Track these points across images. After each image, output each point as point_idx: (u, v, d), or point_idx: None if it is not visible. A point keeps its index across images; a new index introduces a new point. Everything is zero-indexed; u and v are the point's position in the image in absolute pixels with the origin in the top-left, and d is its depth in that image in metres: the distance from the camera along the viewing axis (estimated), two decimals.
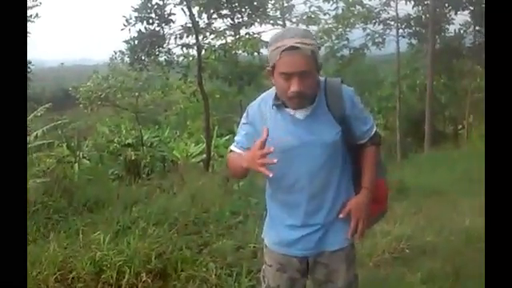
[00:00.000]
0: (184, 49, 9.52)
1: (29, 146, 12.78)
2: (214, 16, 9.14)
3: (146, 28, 8.42)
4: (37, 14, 7.83)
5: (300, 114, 1.84)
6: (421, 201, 5.52)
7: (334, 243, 1.97)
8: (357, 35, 11.89)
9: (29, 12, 7.58)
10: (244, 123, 1.97)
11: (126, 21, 8.42)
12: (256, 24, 9.99)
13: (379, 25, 11.11)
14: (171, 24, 8.56)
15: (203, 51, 10.50)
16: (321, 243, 1.96)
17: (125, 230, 4.18)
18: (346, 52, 12.42)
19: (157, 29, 8.43)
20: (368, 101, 17.22)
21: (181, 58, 9.68)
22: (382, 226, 3.97)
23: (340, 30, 11.83)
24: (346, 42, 11.94)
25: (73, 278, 3.37)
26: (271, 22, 10.41)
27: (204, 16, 9.02)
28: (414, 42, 13.96)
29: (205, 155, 16.51)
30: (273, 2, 9.33)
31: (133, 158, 12.32)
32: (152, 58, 8.97)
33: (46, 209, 5.17)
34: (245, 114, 1.98)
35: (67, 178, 11.28)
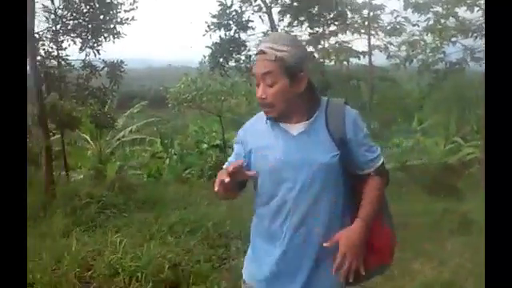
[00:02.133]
0: None
1: (123, 139, 13.82)
2: (295, 23, 8.98)
3: (225, 34, 8.54)
4: (133, 17, 8.27)
5: (294, 130, 1.69)
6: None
7: (322, 285, 1.71)
8: (455, 49, 10.96)
9: (125, 15, 8.07)
10: (236, 143, 1.86)
11: (208, 27, 8.60)
12: (337, 32, 9.77)
13: (480, 39, 10.12)
14: (250, 30, 8.60)
15: None
16: (307, 284, 1.70)
17: (154, 234, 4.23)
18: (441, 66, 11.54)
19: (236, 35, 8.51)
20: (468, 119, 15.92)
21: None
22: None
23: (437, 42, 11.02)
24: (441, 56, 11.05)
25: (90, 276, 3.47)
26: (352, 30, 10.08)
27: (283, 24, 8.92)
28: None
29: None
30: (347, 7, 8.87)
31: (215, 159, 12.68)
32: (232, 64, 9.08)
33: (100, 203, 5.45)
34: (238, 134, 1.86)
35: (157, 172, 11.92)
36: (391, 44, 10.87)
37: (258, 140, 1.74)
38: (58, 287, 3.27)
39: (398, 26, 10.15)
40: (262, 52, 1.64)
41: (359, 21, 10.33)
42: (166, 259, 3.51)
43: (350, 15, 9.68)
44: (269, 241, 1.75)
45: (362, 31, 10.50)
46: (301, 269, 1.71)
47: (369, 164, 1.72)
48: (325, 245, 1.65)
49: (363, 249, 1.67)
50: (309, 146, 1.67)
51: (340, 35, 10.96)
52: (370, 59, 11.03)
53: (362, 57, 11.53)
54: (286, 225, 1.69)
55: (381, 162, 1.75)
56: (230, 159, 1.86)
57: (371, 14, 10.07)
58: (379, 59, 11.98)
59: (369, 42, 10.87)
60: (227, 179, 1.53)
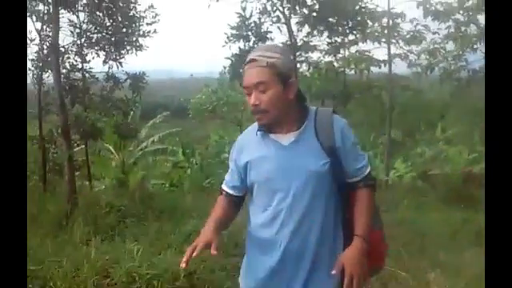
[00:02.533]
0: None
1: (145, 149, 14.06)
2: (314, 33, 9.02)
3: (244, 45, 8.64)
4: (155, 30, 8.46)
5: (284, 141, 1.75)
6: None
7: None
8: (477, 56, 10.82)
9: (147, 28, 8.27)
10: (230, 160, 1.93)
11: (227, 38, 8.72)
12: (357, 41, 9.75)
13: None
14: (269, 41, 8.68)
15: (305, 68, 10.48)
16: None
17: (171, 243, 4.30)
18: (464, 74, 11.39)
19: (255, 46, 8.61)
20: None
21: None
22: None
23: (459, 50, 10.90)
24: (463, 64, 10.93)
25: (108, 284, 3.55)
26: (372, 39, 10.04)
27: (301, 34, 8.96)
28: None
29: None
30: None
31: None
32: None
33: (120, 212, 5.56)
34: (231, 151, 1.93)
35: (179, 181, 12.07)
36: (411, 52, 10.81)
37: (251, 153, 1.80)
38: None
39: (417, 35, 10.10)
40: (252, 60, 1.69)
41: (379, 29, 10.31)
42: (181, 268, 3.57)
43: (369, 24, 9.66)
44: (264, 251, 1.80)
45: (383, 40, 10.45)
46: (297, 277, 1.75)
47: (357, 172, 1.77)
48: (333, 273, 1.68)
49: (365, 262, 1.71)
50: (300, 155, 1.72)
51: (360, 44, 10.95)
52: (389, 68, 10.96)
53: (382, 65, 11.48)
54: (280, 234, 1.73)
55: (368, 170, 1.81)
56: (226, 177, 1.95)
57: (391, 22, 10.03)
58: (400, 68, 11.92)
59: (388, 51, 10.83)
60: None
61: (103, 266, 3.66)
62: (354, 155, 1.77)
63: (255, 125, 1.84)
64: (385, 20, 10.12)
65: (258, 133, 1.78)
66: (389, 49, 10.78)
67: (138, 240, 4.33)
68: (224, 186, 1.94)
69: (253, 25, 8.37)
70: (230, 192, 1.92)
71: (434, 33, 10.22)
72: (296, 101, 1.77)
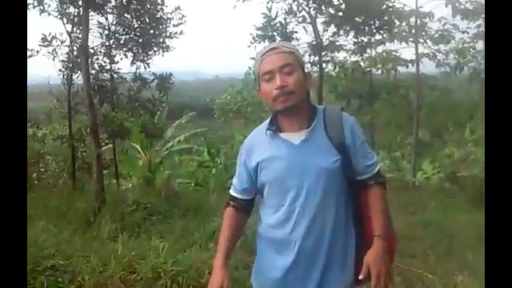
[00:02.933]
0: (309, 66, 9.54)
1: (171, 149, 14.25)
2: (341, 33, 8.95)
3: None
4: (181, 31, 8.57)
5: (295, 139, 1.75)
6: None
7: None
8: None
9: (174, 29, 8.39)
10: (238, 163, 1.92)
11: (253, 38, 8.74)
12: (384, 41, 9.63)
13: None
14: (295, 41, 8.66)
15: (331, 68, 10.41)
16: None
17: (196, 240, 4.35)
18: None
19: None
20: None
21: None
22: None
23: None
24: None
25: (134, 279, 3.62)
26: (399, 38, 9.91)
27: (327, 34, 8.90)
28: None
29: None
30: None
31: None
32: None
33: (147, 210, 5.65)
34: (239, 152, 1.93)
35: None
36: (440, 52, 10.61)
37: (262, 153, 1.80)
38: None
39: (446, 34, 9.90)
40: (273, 48, 1.73)
41: (406, 29, 10.16)
42: (206, 265, 3.61)
43: (396, 23, 9.53)
44: (277, 251, 1.81)
45: (410, 39, 10.29)
46: (311, 276, 1.76)
47: (367, 169, 1.78)
48: (360, 277, 1.71)
49: (388, 260, 1.73)
50: (311, 153, 1.73)
51: (387, 44, 10.81)
52: (417, 67, 10.79)
53: (410, 65, 11.31)
54: (294, 234, 1.75)
55: (377, 168, 1.82)
56: (234, 182, 1.95)
57: (418, 21, 9.87)
58: (428, 68, 11.71)
59: (416, 50, 10.66)
60: None
61: (129, 262, 3.73)
62: (364, 152, 1.78)
63: (262, 126, 1.86)
64: (412, 19, 9.96)
65: (268, 132, 1.79)
66: (416, 48, 10.62)
67: (163, 237, 4.40)
68: (232, 192, 1.94)
69: (278, 25, 8.36)
70: (239, 196, 1.91)
71: (462, 32, 10.01)
72: (307, 96, 1.79)
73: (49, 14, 7.15)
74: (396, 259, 4.15)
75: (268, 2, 8.51)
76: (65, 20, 7.37)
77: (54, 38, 7.48)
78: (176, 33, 8.31)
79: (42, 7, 7.00)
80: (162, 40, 8.14)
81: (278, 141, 1.77)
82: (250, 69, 8.94)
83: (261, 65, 1.74)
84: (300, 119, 1.77)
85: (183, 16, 8.31)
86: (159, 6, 7.99)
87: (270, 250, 1.84)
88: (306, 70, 1.77)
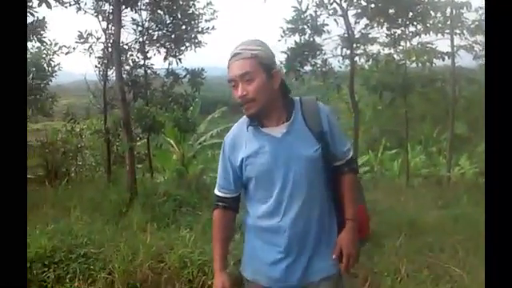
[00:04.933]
0: (341, 59, 9.45)
1: (204, 143, 14.46)
2: (373, 25, 8.81)
3: (300, 39, 8.61)
4: (213, 27, 8.67)
5: (276, 133, 1.82)
6: None
7: (320, 271, 1.88)
8: None
9: (206, 24, 8.50)
10: (220, 160, 1.96)
11: (283, 32, 8.73)
12: (418, 33, 9.40)
13: None
14: (325, 34, 8.61)
15: (363, 61, 10.26)
16: (306, 273, 1.87)
17: None
18: None
19: (311, 40, 8.55)
20: None
21: (336, 69, 9.60)
22: None
23: None
24: None
25: (162, 268, 3.73)
26: (435, 30, 9.63)
27: (359, 26, 8.78)
28: None
29: (368, 167, 16.19)
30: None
31: None
32: (307, 68, 9.12)
33: (176, 201, 5.78)
34: (221, 149, 1.97)
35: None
36: (477, 43, 10.25)
37: (245, 149, 1.85)
38: (134, 276, 3.56)
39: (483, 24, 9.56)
40: (236, 54, 1.77)
41: (442, 20, 9.86)
42: (231, 255, 3.67)
43: (432, 14, 9.28)
44: (268, 239, 1.88)
45: (446, 31, 9.99)
46: (301, 259, 1.86)
47: (343, 155, 1.90)
48: (333, 257, 1.85)
49: (357, 243, 1.89)
50: (293, 145, 1.80)
51: (422, 36, 10.54)
52: (452, 60, 10.47)
53: (446, 58, 10.98)
54: (284, 221, 1.82)
55: (351, 153, 1.94)
56: (218, 181, 1.99)
57: (454, 12, 9.58)
58: (465, 60, 11.35)
59: (452, 42, 10.33)
60: None
61: (158, 252, 3.83)
62: (339, 139, 1.89)
63: (241, 122, 1.91)
64: (448, 10, 9.66)
65: (250, 128, 1.85)
66: (452, 40, 10.29)
67: (191, 228, 4.49)
68: (218, 192, 1.97)
69: (309, 18, 8.31)
70: (227, 195, 1.95)
71: None
72: (282, 92, 1.84)
73: (85, 11, 7.38)
74: (425, 253, 4.12)
75: None
76: (100, 17, 7.58)
77: (89, 35, 7.74)
78: (208, 28, 8.43)
79: (78, 5, 7.23)
80: (193, 35, 8.27)
81: (260, 136, 1.84)
82: (280, 62, 8.90)
83: (228, 71, 1.80)
84: (277, 114, 1.83)
85: (215, 11, 8.41)
86: (191, 2, 8.12)
87: (261, 239, 1.92)
88: (274, 66, 1.81)
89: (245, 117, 1.89)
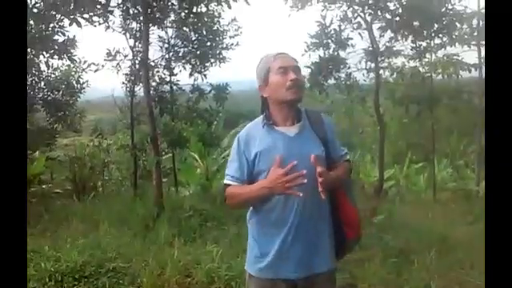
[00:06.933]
0: (365, 72, 9.42)
1: (228, 158, 14.56)
2: (398, 38, 8.78)
3: (324, 53, 8.64)
4: (237, 43, 8.79)
5: (290, 132, 2.00)
6: None
7: (323, 264, 2.01)
8: None
9: (230, 41, 8.63)
10: (235, 154, 2.06)
11: (307, 46, 8.77)
12: (444, 45, 9.28)
13: None
14: (350, 48, 8.61)
15: (388, 74, 10.21)
16: (311, 264, 1.98)
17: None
18: None
19: (335, 54, 8.57)
20: None
21: (361, 82, 9.58)
22: None
23: None
24: None
25: (189, 283, 3.74)
26: (461, 42, 9.48)
27: (384, 39, 8.75)
28: None
29: (393, 181, 15.94)
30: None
31: None
32: (331, 82, 9.13)
33: (202, 216, 5.80)
34: (235, 145, 2.08)
35: None
36: None
37: (260, 144, 2.00)
38: None
39: None
40: (282, 53, 2.05)
41: (468, 31, 9.73)
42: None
43: (458, 26, 9.18)
44: (274, 230, 1.98)
45: (473, 43, 9.84)
46: (304, 251, 1.97)
47: (341, 158, 2.13)
48: (320, 189, 1.87)
49: (332, 182, 1.94)
50: (304, 143, 1.99)
51: (448, 48, 10.41)
52: (480, 72, 10.30)
53: (473, 70, 10.81)
54: (293, 213, 1.95)
55: (348, 157, 2.17)
56: (229, 172, 2.06)
57: (481, 23, 9.44)
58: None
59: (479, 54, 10.18)
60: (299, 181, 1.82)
61: (185, 266, 3.86)
62: (338, 146, 2.13)
63: (256, 122, 2.07)
64: (475, 21, 9.53)
65: (265, 126, 2.01)
66: (479, 52, 10.14)
67: (217, 242, 4.50)
68: (230, 181, 2.04)
69: (333, 32, 8.34)
70: (235, 184, 2.04)
71: None
72: None
73: (113, 30, 7.56)
74: (455, 269, 4.03)
75: (322, 10, 8.53)
76: (128, 35, 7.76)
77: (117, 52, 7.92)
78: (232, 44, 8.55)
79: (107, 24, 7.42)
80: (218, 51, 8.38)
81: (275, 133, 2.00)
82: (304, 77, 8.92)
83: (274, 62, 2.01)
84: (294, 114, 2.04)
85: (239, 27, 8.52)
86: (216, 19, 8.24)
87: (266, 233, 2.00)
88: None
89: (261, 116, 2.06)
